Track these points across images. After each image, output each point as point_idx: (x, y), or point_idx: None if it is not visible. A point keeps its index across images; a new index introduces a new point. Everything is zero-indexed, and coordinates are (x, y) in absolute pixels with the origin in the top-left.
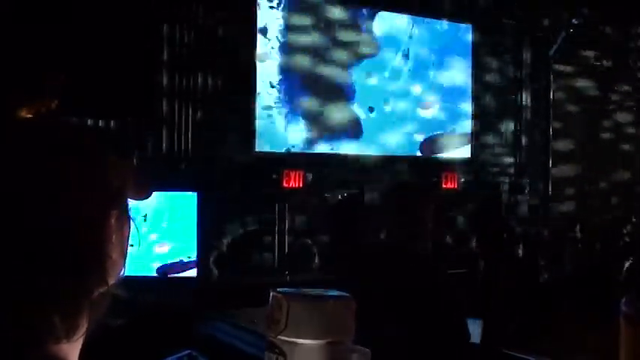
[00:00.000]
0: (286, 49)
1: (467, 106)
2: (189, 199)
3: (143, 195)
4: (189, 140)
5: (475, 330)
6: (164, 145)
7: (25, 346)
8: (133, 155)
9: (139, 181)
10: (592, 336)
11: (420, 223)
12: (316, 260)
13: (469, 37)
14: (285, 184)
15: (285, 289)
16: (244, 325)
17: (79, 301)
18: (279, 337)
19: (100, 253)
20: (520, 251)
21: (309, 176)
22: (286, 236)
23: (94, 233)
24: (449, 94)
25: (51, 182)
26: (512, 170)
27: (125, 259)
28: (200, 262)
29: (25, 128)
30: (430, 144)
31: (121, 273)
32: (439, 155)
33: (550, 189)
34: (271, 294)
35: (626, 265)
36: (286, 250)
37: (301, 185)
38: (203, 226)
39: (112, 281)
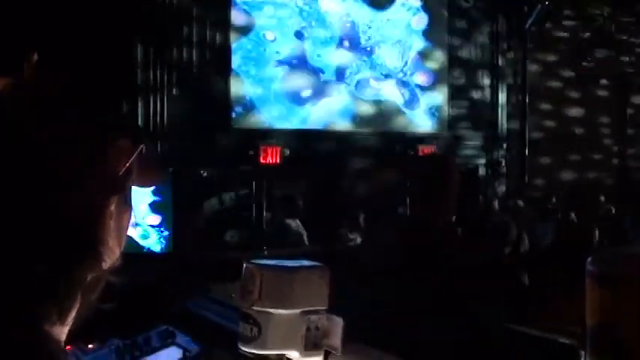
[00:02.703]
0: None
1: (443, 81)
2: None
3: (149, 183)
4: (165, 116)
5: None
6: (140, 120)
7: (20, 329)
8: (141, 142)
9: (146, 168)
10: (573, 304)
11: (447, 196)
12: (294, 235)
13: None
14: (262, 160)
15: (258, 260)
16: (222, 299)
17: (73, 285)
18: (253, 307)
19: (95, 238)
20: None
21: (287, 152)
22: (264, 211)
23: (91, 218)
24: (425, 68)
25: (49, 165)
26: (489, 143)
27: (122, 246)
28: (176, 238)
29: (26, 109)
30: None
31: (117, 260)
32: (416, 129)
33: (526, 162)
34: (244, 265)
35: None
36: (264, 225)
37: (278, 161)
38: (179, 201)
39: (106, 267)
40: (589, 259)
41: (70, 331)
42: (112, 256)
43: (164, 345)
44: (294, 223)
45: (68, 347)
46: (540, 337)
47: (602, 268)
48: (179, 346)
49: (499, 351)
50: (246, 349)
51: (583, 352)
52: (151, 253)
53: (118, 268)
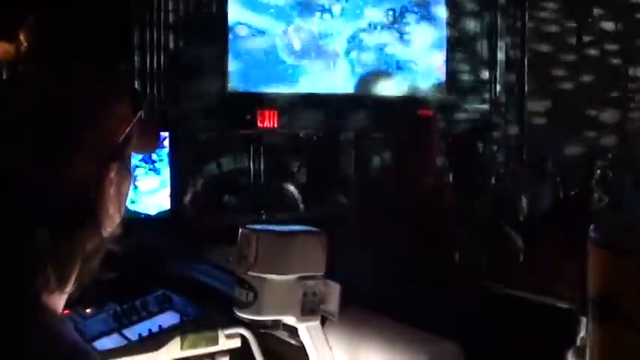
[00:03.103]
0: None
1: (442, 42)
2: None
3: (150, 148)
4: (161, 79)
5: None
6: (136, 84)
7: (17, 302)
8: (141, 108)
9: (146, 134)
10: (570, 268)
11: (428, 157)
12: (291, 199)
13: None
14: (259, 124)
15: (254, 225)
16: (219, 263)
17: (73, 252)
18: (249, 272)
19: (95, 205)
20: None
21: (284, 116)
22: (261, 175)
23: (91, 185)
24: (422, 30)
25: (48, 132)
26: (486, 107)
27: (122, 214)
28: (174, 202)
29: (27, 74)
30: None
31: (117, 227)
32: (414, 93)
33: (525, 125)
34: (240, 230)
35: (596, 196)
36: (261, 190)
37: (276, 125)
38: (176, 166)
39: (106, 234)
40: (592, 227)
41: (68, 295)
42: (111, 224)
43: (162, 309)
44: (291, 188)
45: (66, 311)
46: (539, 302)
47: (605, 236)
48: (176, 310)
49: (497, 316)
50: (242, 315)
51: (584, 319)
52: (148, 218)
53: (118, 237)
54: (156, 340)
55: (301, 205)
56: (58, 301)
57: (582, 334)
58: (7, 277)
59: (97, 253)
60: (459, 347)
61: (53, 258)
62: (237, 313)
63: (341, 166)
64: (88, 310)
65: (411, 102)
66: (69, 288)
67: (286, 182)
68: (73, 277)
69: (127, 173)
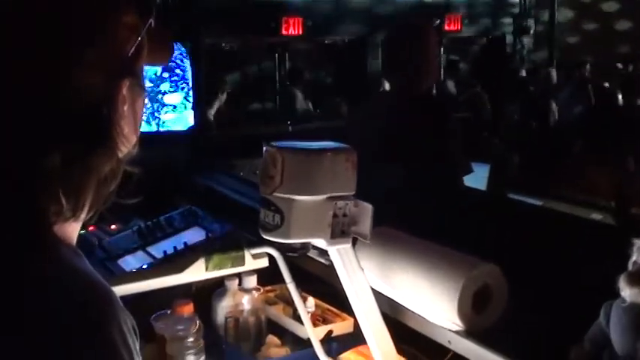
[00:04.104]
0: None
1: None
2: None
3: (162, 60)
4: None
5: (481, 175)
6: None
7: (31, 230)
8: (150, 15)
9: (157, 44)
10: (603, 176)
11: (427, 58)
12: (317, 108)
13: None
14: (284, 31)
15: (280, 142)
16: (245, 177)
17: (87, 176)
18: (275, 194)
19: (108, 125)
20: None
21: (309, 22)
22: (287, 84)
23: (102, 104)
24: None
25: (52, 47)
26: (517, 10)
27: (138, 133)
28: (198, 114)
29: None
30: None
31: (134, 148)
32: None
33: (556, 30)
34: (264, 148)
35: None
36: (287, 99)
37: (301, 32)
38: (199, 76)
39: (121, 156)
40: None
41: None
42: (127, 145)
43: (187, 225)
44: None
45: (92, 228)
46: (572, 214)
47: None
48: (202, 226)
49: (529, 229)
50: (269, 238)
51: (637, 242)
52: (172, 132)
53: (134, 158)
54: (180, 260)
55: (322, 114)
56: (73, 230)
57: (635, 257)
58: (17, 206)
59: (113, 177)
60: (498, 267)
61: (66, 183)
62: (264, 237)
63: (367, 72)
64: (112, 227)
65: (438, 6)
66: (84, 215)
67: (313, 90)
68: (88, 204)
69: (140, 89)
